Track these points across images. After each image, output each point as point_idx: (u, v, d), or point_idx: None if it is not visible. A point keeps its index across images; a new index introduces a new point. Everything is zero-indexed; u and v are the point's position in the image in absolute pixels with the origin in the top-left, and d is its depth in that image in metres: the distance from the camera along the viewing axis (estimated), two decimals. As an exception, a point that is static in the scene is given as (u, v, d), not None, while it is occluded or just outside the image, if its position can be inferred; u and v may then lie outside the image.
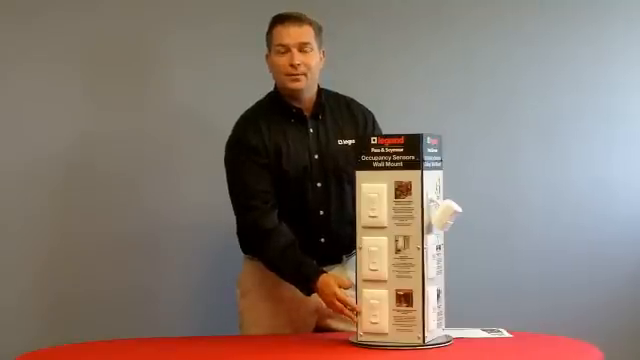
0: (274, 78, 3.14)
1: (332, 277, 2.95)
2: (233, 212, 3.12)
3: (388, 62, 3.99)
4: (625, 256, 4.15)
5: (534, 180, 4.12)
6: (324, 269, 3.02)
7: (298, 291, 3.02)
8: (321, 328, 3.17)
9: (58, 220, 3.68)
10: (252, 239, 3.12)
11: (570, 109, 4.14)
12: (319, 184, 3.11)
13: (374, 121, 3.23)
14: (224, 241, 3.44)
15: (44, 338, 3.41)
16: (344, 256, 3.15)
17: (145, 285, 3.74)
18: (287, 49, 3.06)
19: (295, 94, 3.11)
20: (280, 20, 3.09)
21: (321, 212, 3.11)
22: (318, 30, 3.12)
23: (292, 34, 3.06)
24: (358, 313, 2.81)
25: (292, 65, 3.05)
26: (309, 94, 3.14)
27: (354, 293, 2.86)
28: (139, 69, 3.75)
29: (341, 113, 3.18)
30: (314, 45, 3.09)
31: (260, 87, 3.21)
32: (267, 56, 3.14)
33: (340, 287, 2.91)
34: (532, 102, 4.11)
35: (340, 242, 3.05)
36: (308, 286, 2.98)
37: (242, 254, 3.22)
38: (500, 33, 4.10)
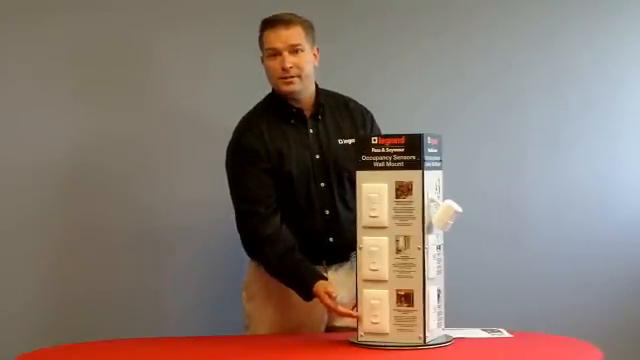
0: (269, 81, 3.13)
1: (323, 287, 2.93)
2: (235, 215, 3.12)
3: (396, 62, 3.98)
4: (627, 256, 4.15)
5: (539, 179, 4.11)
6: (334, 267, 3.09)
7: None
8: (331, 327, 3.16)
9: (58, 221, 3.67)
10: (253, 244, 3.12)
11: (576, 108, 4.14)
12: (322, 184, 3.11)
13: (372, 120, 3.22)
14: (225, 240, 3.45)
15: (44, 338, 3.41)
16: (352, 254, 3.11)
17: (146, 285, 3.73)
18: (278, 52, 3.05)
19: (291, 96, 3.11)
20: (269, 24, 3.08)
21: (327, 212, 3.11)
22: (309, 29, 3.11)
23: (281, 37, 3.05)
24: (358, 318, 2.81)
25: (284, 68, 3.05)
26: (307, 94, 3.13)
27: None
28: (138, 69, 3.74)
29: (340, 112, 3.18)
30: (305, 45, 3.08)
31: (260, 87, 3.20)
32: (262, 59, 3.13)
33: (330, 296, 2.90)
34: (539, 101, 4.11)
35: (348, 240, 3.01)
36: (306, 291, 2.98)
37: (247, 257, 3.21)
38: (507, 32, 4.09)
